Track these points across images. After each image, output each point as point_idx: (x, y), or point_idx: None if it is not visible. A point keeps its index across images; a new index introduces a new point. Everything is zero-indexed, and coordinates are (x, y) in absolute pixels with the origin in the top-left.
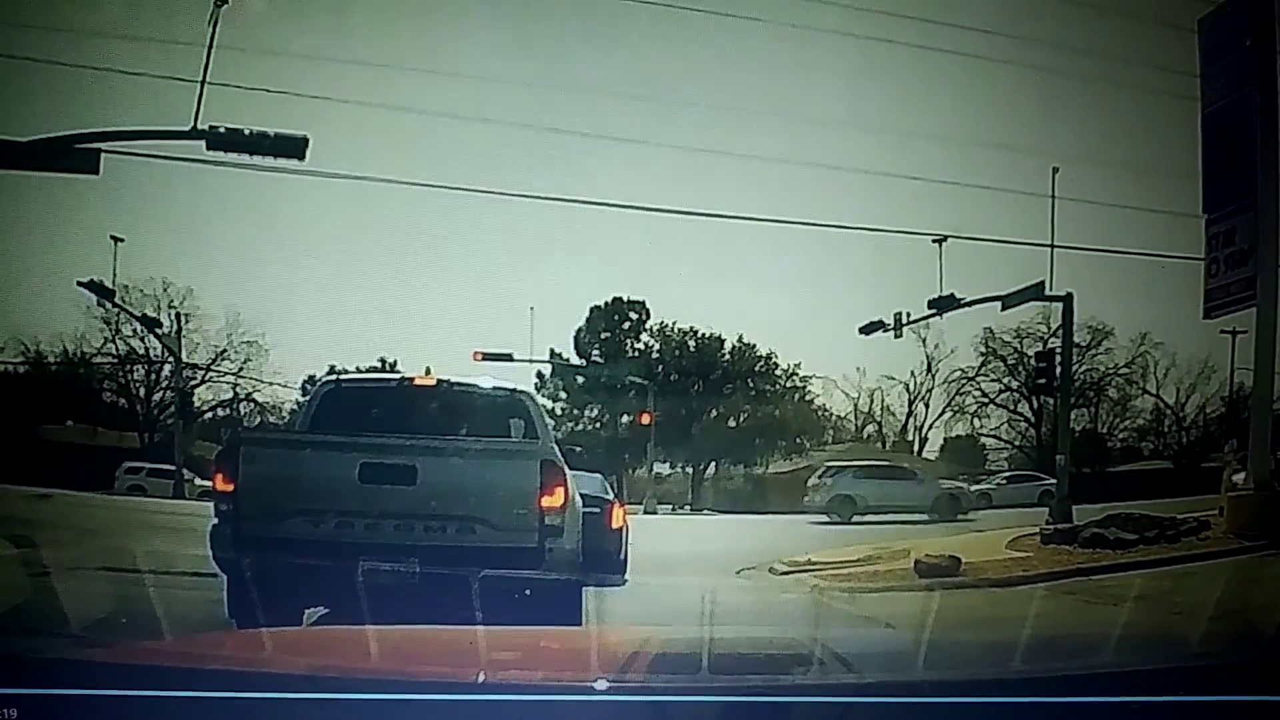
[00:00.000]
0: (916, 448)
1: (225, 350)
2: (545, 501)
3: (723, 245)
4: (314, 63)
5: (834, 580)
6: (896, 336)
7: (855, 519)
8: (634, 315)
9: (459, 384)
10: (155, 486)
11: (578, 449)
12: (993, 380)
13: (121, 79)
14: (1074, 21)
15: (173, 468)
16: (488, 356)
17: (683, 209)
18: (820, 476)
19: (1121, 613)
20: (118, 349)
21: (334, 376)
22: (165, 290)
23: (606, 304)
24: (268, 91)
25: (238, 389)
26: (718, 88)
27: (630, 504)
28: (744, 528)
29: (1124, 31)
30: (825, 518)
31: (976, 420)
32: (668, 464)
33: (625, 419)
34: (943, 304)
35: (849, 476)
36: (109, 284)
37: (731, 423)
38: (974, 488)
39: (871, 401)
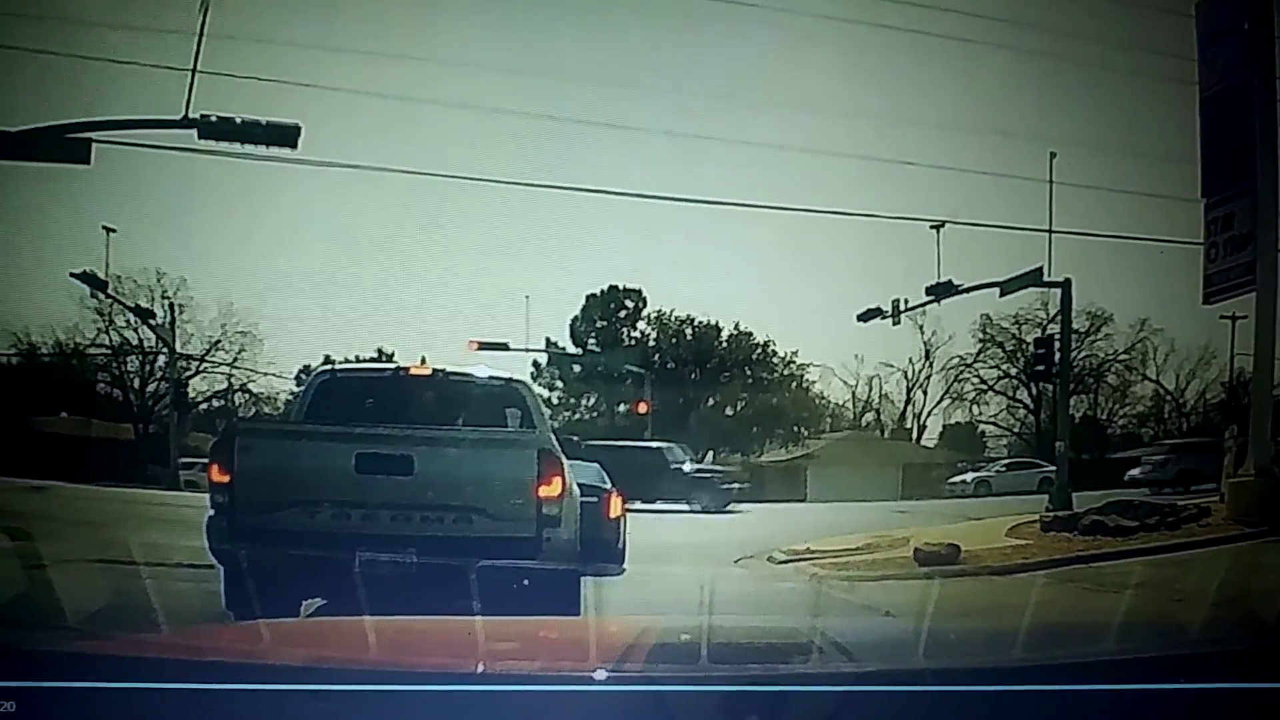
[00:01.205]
0: (915, 435)
1: (219, 341)
2: (542, 491)
3: (719, 232)
4: (306, 51)
5: (833, 568)
6: (894, 323)
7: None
8: (630, 303)
9: (455, 373)
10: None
11: (574, 438)
12: (991, 367)
13: (112, 68)
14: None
15: None
16: (483, 346)
17: (679, 195)
18: (1150, 456)
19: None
20: (111, 340)
21: (329, 366)
22: (158, 281)
23: (603, 292)
24: (259, 80)
25: (232, 379)
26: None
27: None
28: (742, 516)
29: (1121, 15)
30: None
31: (975, 407)
32: None
33: (622, 408)
34: (940, 290)
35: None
36: (102, 275)
37: (729, 411)
38: (972, 475)
39: (870, 389)
